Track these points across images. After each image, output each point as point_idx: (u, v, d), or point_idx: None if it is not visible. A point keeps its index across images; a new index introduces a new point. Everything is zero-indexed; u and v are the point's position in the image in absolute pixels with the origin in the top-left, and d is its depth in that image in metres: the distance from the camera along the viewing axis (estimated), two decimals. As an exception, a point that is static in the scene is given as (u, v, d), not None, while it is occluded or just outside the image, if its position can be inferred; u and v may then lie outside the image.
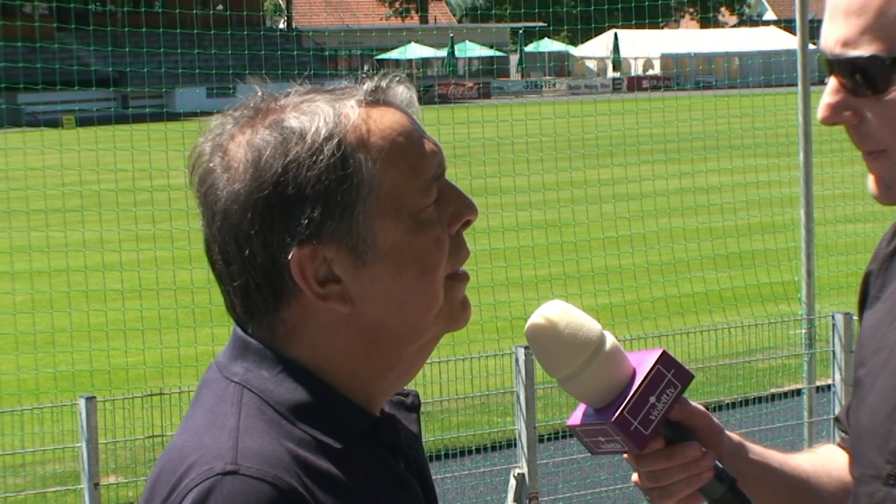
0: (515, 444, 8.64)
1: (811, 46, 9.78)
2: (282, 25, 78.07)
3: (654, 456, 2.11)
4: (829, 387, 9.49)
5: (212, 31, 20.16)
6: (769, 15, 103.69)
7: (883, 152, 2.02)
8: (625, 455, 2.14)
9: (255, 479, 1.72)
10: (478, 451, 10.11)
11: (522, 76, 71.59)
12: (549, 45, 78.65)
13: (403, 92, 1.89)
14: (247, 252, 1.81)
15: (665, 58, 71.66)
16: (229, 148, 1.83)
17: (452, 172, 1.94)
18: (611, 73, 70.82)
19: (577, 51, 76.28)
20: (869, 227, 15.40)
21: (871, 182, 2.06)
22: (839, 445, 2.38)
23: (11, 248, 14.56)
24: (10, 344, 13.14)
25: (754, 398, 10.98)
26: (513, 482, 8.38)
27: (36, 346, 13.57)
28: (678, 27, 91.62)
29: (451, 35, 69.32)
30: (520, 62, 73.38)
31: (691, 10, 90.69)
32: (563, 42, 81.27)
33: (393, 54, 67.38)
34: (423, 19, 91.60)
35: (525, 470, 8.40)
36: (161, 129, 14.68)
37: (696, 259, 16.03)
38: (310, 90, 1.87)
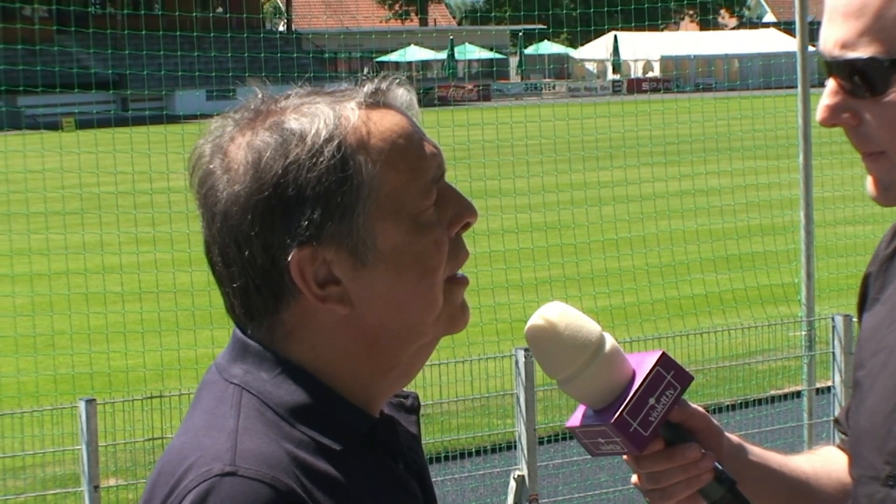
0: (515, 446, 8.65)
1: (811, 48, 9.78)
2: (281, 28, 78.09)
3: (653, 457, 2.11)
4: (828, 389, 9.50)
5: (211, 34, 20.14)
6: (769, 17, 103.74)
7: (882, 154, 2.02)
8: (624, 456, 2.14)
9: (253, 481, 1.73)
10: (478, 453, 10.11)
11: (522, 78, 71.59)
12: (548, 48, 78.65)
13: (403, 94, 1.90)
14: (247, 253, 1.81)
15: (665, 60, 71.65)
16: (229, 150, 1.83)
17: (452, 175, 1.94)
18: (610, 76, 70.83)
19: (577, 53, 76.30)
20: (869, 229, 15.40)
21: (869, 183, 2.06)
22: (839, 447, 2.38)
23: (11, 250, 14.55)
24: (10, 346, 13.14)
25: (754, 400, 10.98)
26: (513, 484, 8.38)
27: (36, 348, 13.57)
28: (678, 29, 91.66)
29: (451, 37, 69.32)
30: (519, 64, 73.39)
31: (691, 12, 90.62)
32: (563, 44, 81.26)
33: (393, 57, 67.35)
34: (423, 21, 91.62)
35: (525, 472, 8.40)
36: (161, 131, 14.69)
37: (695, 261, 16.03)
38: (310, 92, 1.87)
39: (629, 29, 62.61)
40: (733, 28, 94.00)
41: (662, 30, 79.15)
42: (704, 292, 14.10)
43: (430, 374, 9.24)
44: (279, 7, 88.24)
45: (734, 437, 2.25)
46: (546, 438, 9.56)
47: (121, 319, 13.59)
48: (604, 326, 2.07)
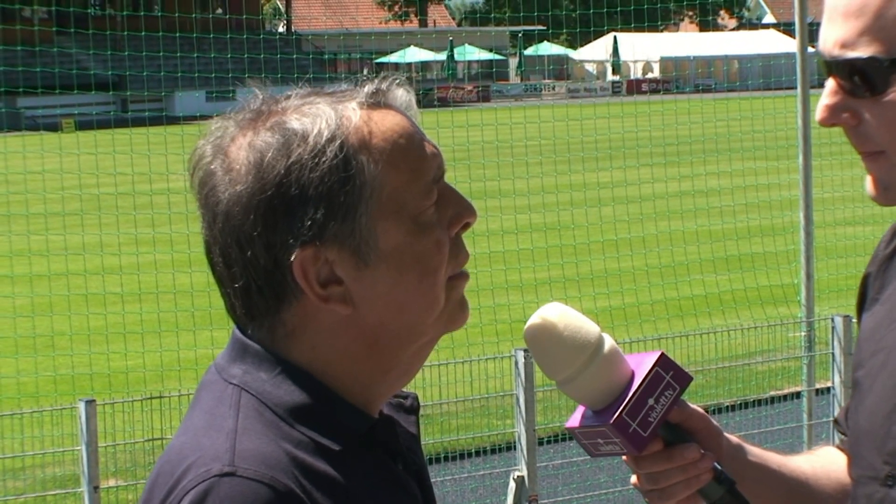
0: (515, 446, 8.65)
1: (810, 49, 9.78)
2: (281, 29, 78.07)
3: (652, 458, 2.11)
4: (828, 389, 9.50)
5: (211, 35, 20.17)
6: (768, 18, 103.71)
7: (881, 153, 2.02)
8: (624, 457, 2.14)
9: (252, 481, 1.73)
10: (477, 453, 10.11)
11: (522, 79, 71.58)
12: (548, 49, 78.64)
13: (403, 95, 1.90)
14: (249, 254, 1.81)
15: (664, 61, 71.62)
16: (230, 150, 1.83)
17: (452, 176, 1.94)
18: (610, 77, 70.84)
19: (577, 54, 76.28)
20: (868, 229, 15.40)
21: (868, 183, 2.06)
22: (838, 447, 2.38)
23: (11, 251, 14.55)
24: (10, 347, 13.14)
25: (753, 401, 10.98)
26: (512, 485, 8.38)
27: (36, 349, 13.57)
28: (677, 30, 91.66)
29: (451, 38, 69.30)
30: (519, 65, 73.37)
31: (690, 13, 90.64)
32: (563, 45, 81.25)
33: (392, 58, 67.35)
34: (423, 23, 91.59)
35: (525, 473, 8.40)
36: (160, 132, 14.70)
37: (695, 262, 16.03)
38: (310, 93, 1.87)
39: (629, 30, 62.57)
40: (733, 29, 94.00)
41: (662, 31, 79.17)
42: (704, 293, 14.10)
43: (430, 375, 9.24)
44: (279, 8, 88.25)
45: (733, 438, 2.25)
46: (546, 439, 9.56)
47: (120, 320, 13.60)
48: (603, 327, 2.08)
